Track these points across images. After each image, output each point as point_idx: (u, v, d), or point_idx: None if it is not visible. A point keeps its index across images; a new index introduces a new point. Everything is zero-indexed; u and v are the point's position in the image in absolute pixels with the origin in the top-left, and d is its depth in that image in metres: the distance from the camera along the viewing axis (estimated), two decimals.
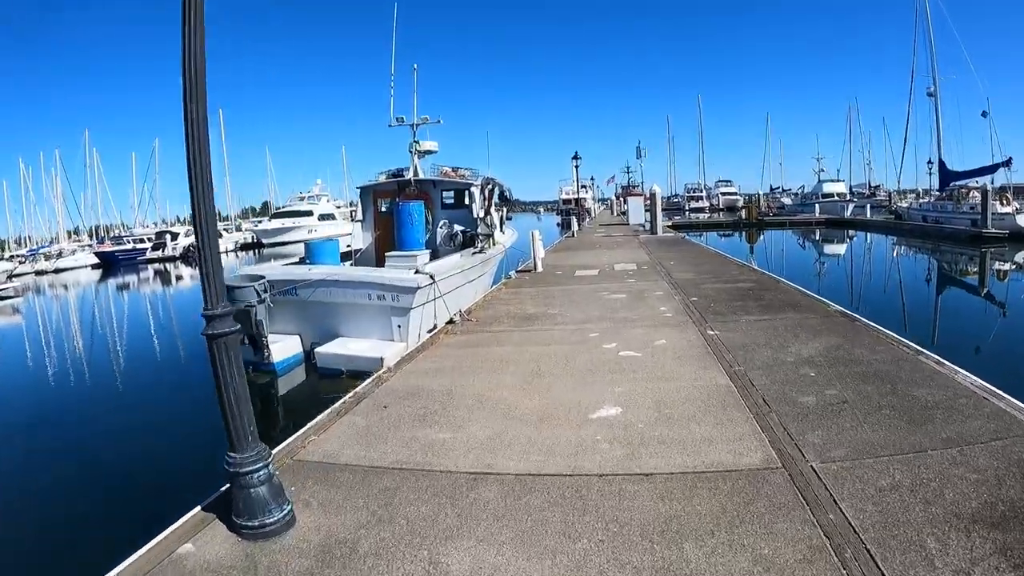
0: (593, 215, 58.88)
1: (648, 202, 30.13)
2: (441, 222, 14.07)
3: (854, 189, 58.17)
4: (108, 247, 49.40)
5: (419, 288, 9.29)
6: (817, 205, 44.25)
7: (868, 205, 42.99)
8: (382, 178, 15.22)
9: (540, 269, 14.99)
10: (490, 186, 12.98)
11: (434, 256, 13.83)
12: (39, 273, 43.70)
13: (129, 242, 50.78)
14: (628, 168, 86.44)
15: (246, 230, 59.95)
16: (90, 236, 60.30)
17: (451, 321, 9.47)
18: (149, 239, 50.27)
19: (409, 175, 14.56)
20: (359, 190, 15.31)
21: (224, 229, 62.33)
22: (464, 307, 10.54)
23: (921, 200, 39.14)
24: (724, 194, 74.34)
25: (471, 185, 13.69)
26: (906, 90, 38.58)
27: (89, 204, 61.98)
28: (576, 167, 34.30)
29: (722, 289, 11.02)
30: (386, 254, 13.80)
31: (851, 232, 39.35)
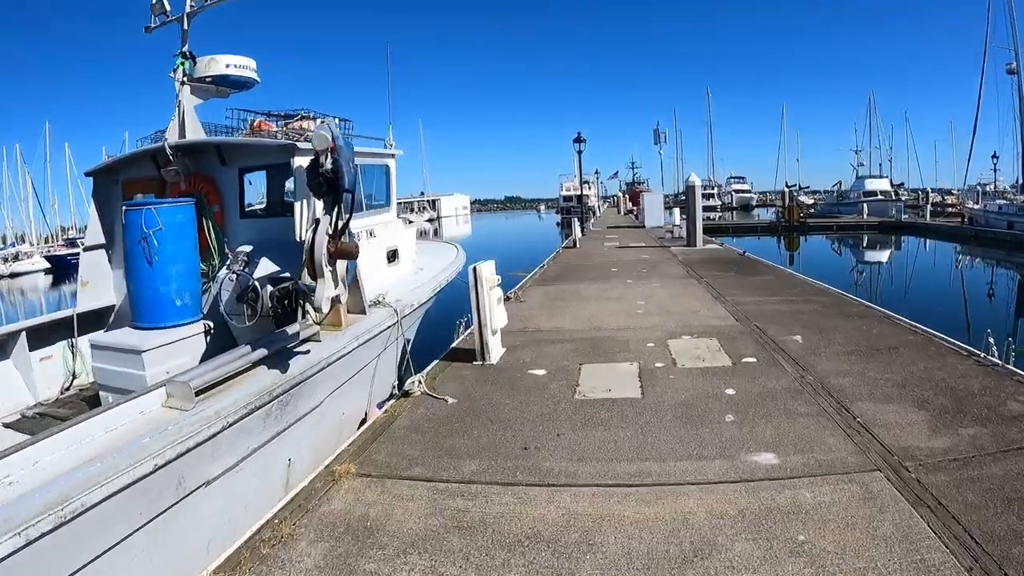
0: (598, 213, 49.59)
1: (679, 199, 21.01)
2: (237, 251, 5.06)
3: None
4: (60, 250, 42.26)
5: None
6: (865, 205, 34.82)
7: (928, 207, 33.65)
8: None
9: (495, 359, 5.92)
10: (327, 158, 3.75)
11: (216, 337, 4.99)
12: None
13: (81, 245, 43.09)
14: (633, 164, 77.46)
15: None
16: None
17: None
18: None
19: (173, 136, 5.62)
20: (91, 179, 6.28)
21: None
22: None
23: (999, 202, 29.77)
24: (737, 191, 64.96)
25: (293, 152, 4.58)
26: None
27: (52, 201, 53.89)
28: (579, 152, 25.10)
29: None
30: (91, 339, 4.89)
31: (902, 238, 30.51)
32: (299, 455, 4.33)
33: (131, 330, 5.01)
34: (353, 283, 4.76)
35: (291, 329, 4.14)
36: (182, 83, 5.72)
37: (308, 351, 4.05)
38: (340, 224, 3.58)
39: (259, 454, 3.88)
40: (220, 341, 5.03)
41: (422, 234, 54.65)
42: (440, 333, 8.00)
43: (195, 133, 5.69)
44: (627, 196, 58.67)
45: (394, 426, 4.45)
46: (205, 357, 4.98)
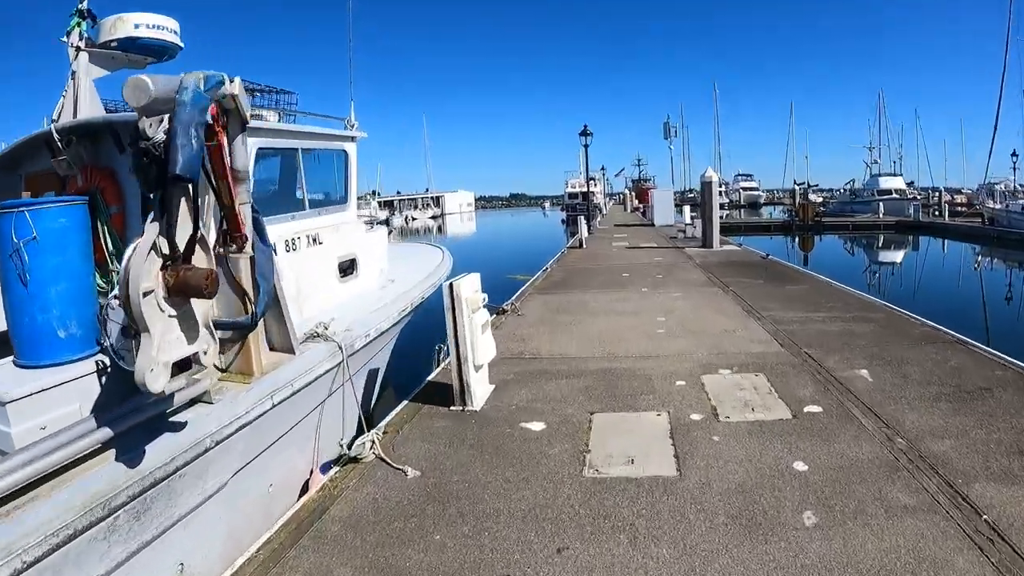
0: (604, 211, 48.04)
1: (686, 197, 19.57)
2: None
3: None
4: None
5: None
6: (881, 204, 33.16)
7: (946, 206, 32.04)
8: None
9: (478, 403, 4.55)
10: (158, 125, 2.23)
11: (114, 378, 3.52)
12: None
13: None
14: (639, 160, 75.79)
15: None
16: None
17: None
18: None
19: (67, 118, 4.29)
20: None
21: None
22: None
23: (1022, 201, 28.10)
24: (745, 189, 63.09)
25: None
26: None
27: None
28: (585, 146, 23.61)
29: None
30: None
31: (919, 238, 28.92)
32: (198, 554, 3.01)
33: (12, 368, 3.72)
34: (277, 309, 3.42)
35: (171, 385, 2.80)
36: (78, 49, 4.38)
37: (186, 423, 2.71)
38: (188, 236, 2.19)
39: (119, 573, 2.56)
40: (121, 382, 3.72)
41: (424, 231, 53.09)
42: (420, 355, 6.66)
43: (94, 113, 4.36)
44: (634, 193, 57.04)
45: (327, 518, 3.10)
46: (102, 403, 3.70)
